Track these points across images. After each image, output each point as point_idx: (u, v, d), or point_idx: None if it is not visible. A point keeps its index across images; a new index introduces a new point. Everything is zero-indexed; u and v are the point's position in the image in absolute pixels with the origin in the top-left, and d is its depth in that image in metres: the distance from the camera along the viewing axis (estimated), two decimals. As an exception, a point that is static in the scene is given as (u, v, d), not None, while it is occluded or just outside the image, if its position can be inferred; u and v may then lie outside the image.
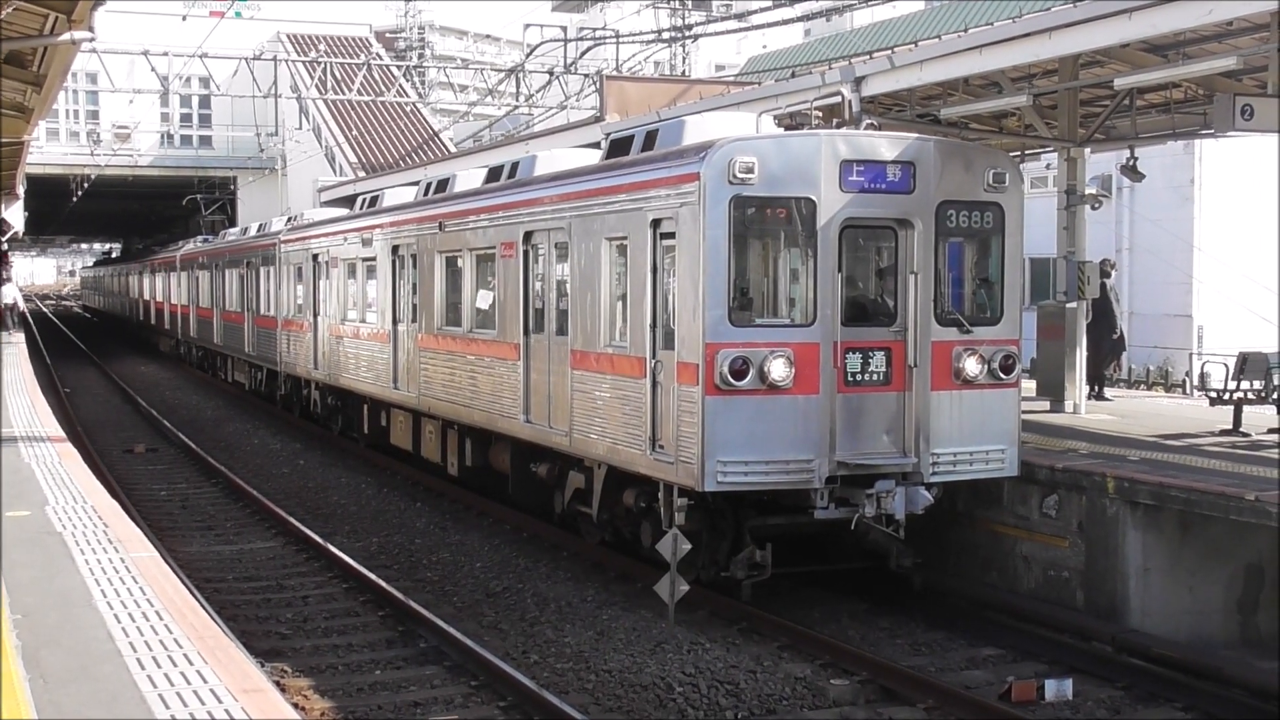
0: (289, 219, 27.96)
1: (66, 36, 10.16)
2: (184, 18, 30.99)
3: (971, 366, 11.15)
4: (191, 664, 6.35)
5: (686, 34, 38.24)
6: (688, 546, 10.71)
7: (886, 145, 11.01)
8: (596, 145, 18.37)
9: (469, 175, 17.34)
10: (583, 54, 33.71)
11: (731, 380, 10.42)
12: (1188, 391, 21.51)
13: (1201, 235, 24.86)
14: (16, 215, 31.76)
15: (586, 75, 32.44)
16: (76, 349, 47.35)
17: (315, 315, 22.29)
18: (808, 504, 10.82)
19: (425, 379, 16.77)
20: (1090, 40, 12.64)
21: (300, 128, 44.95)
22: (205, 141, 51.21)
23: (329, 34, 47.98)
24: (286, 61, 37.14)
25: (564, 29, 39.13)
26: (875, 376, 10.96)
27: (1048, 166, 22.59)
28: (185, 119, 50.73)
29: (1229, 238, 24.33)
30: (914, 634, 11.09)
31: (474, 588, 12.49)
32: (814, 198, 10.68)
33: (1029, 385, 13.92)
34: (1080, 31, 12.51)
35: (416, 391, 17.10)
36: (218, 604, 11.32)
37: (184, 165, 49.74)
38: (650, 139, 12.38)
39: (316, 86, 33.76)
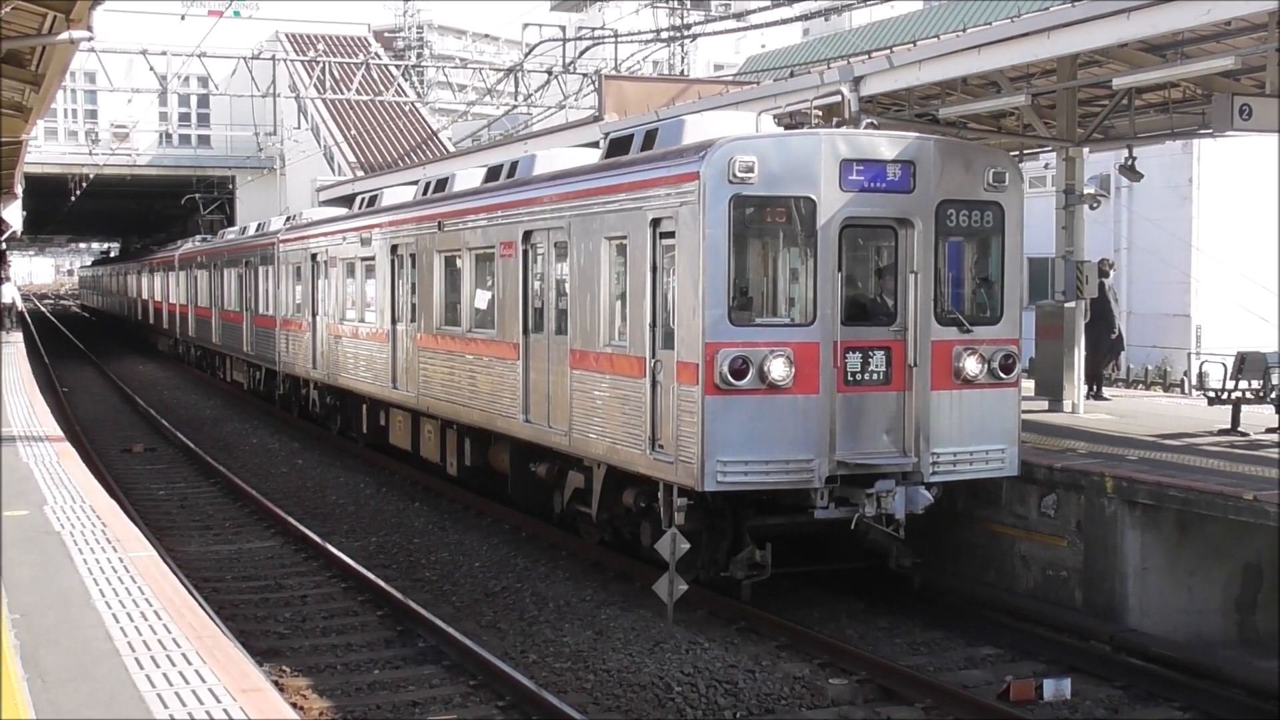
0: (287, 218, 27.95)
1: (65, 36, 10.15)
2: (182, 17, 30.95)
3: (971, 366, 11.15)
4: (190, 663, 6.35)
5: (685, 34, 38.23)
6: (686, 546, 10.70)
7: (886, 144, 11.00)
8: (595, 145, 18.37)
9: (468, 174, 17.33)
10: (581, 54, 33.71)
11: (731, 380, 10.42)
12: (1186, 391, 21.53)
13: (1200, 235, 24.88)
14: (15, 214, 31.74)
15: (585, 75, 32.44)
16: (75, 348, 47.33)
17: (314, 315, 22.28)
18: (808, 504, 10.81)
19: (424, 379, 16.76)
20: (1089, 40, 12.65)
21: (299, 127, 44.91)
22: (204, 141, 51.18)
23: (328, 33, 47.95)
24: (285, 61, 37.10)
25: (563, 28, 39.09)
26: (875, 376, 10.96)
27: (1046, 166, 22.61)
28: (184, 118, 50.69)
29: (1227, 237, 24.35)
30: (912, 633, 11.09)
31: (473, 587, 12.49)
32: (814, 197, 10.68)
33: (1027, 385, 13.91)
34: (1079, 31, 12.51)
35: (415, 391, 17.09)
36: (216, 603, 11.31)
37: (182, 165, 49.72)
38: (650, 138, 12.38)
39: (315, 86, 33.75)
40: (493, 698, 9.24)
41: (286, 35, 46.91)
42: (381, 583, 12.00)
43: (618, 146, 13.02)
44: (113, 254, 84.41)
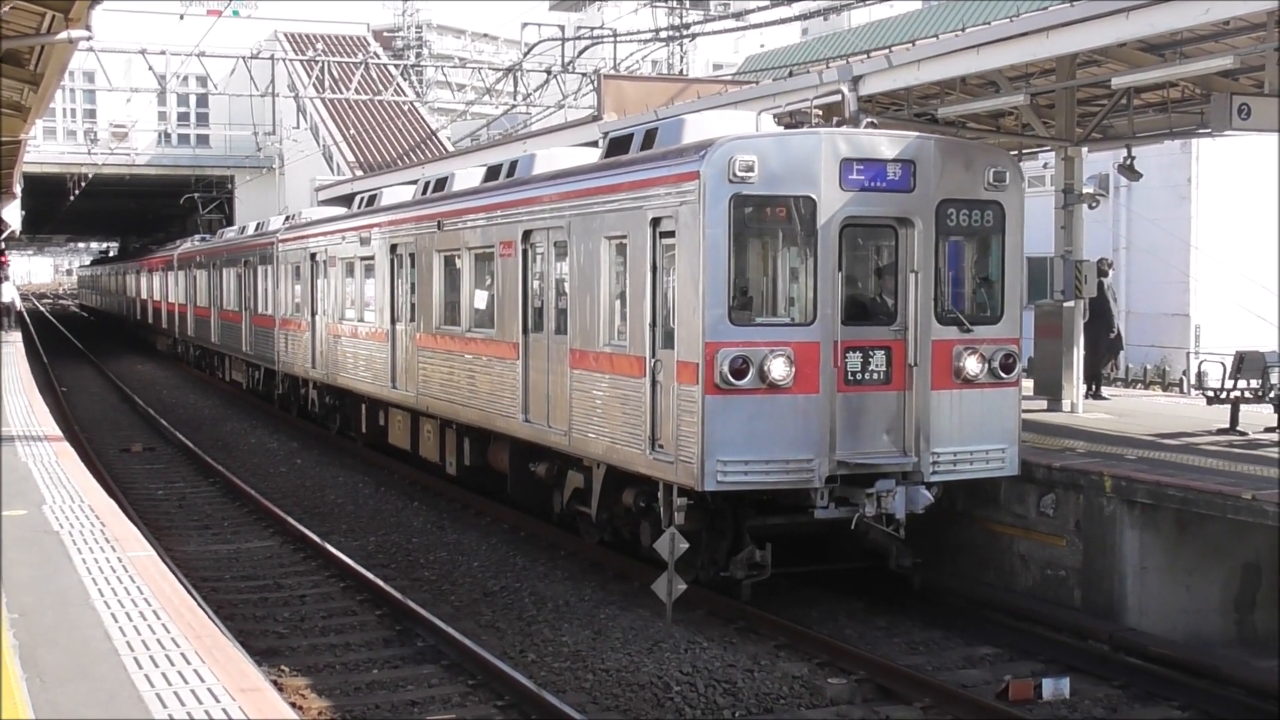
0: (286, 218, 27.95)
1: (64, 35, 10.14)
2: (181, 17, 30.93)
3: (972, 365, 11.14)
4: (189, 663, 6.34)
5: (684, 33, 38.23)
6: (685, 545, 10.70)
7: (887, 144, 11.00)
8: (594, 144, 18.36)
9: (467, 174, 17.33)
10: (580, 53, 33.70)
11: (731, 379, 10.41)
12: (1185, 390, 21.53)
13: (1199, 234, 24.90)
14: (13, 214, 31.73)
15: (584, 74, 32.44)
16: (73, 348, 47.32)
17: (313, 314, 22.28)
18: (808, 503, 10.81)
19: (423, 378, 16.76)
20: (1087, 39, 12.64)
21: (298, 127, 44.87)
22: (203, 140, 51.15)
23: (327, 33, 47.92)
24: (284, 60, 37.10)
25: (561, 28, 39.06)
26: (875, 376, 10.95)
27: (1045, 166, 22.62)
28: (183, 118, 50.64)
29: (1226, 237, 24.37)
30: (911, 633, 11.09)
31: (471, 587, 12.49)
32: (814, 196, 10.67)
33: (1026, 384, 13.91)
34: (1077, 31, 12.51)
35: (415, 391, 17.09)
36: (215, 603, 11.31)
37: (181, 164, 49.69)
38: (649, 138, 12.37)
39: (314, 85, 33.75)
40: (491, 697, 9.24)
41: (285, 35, 46.89)
42: (380, 582, 11.99)
43: (617, 146, 13.02)
44: (111, 254, 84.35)
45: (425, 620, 10.79)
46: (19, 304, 60.61)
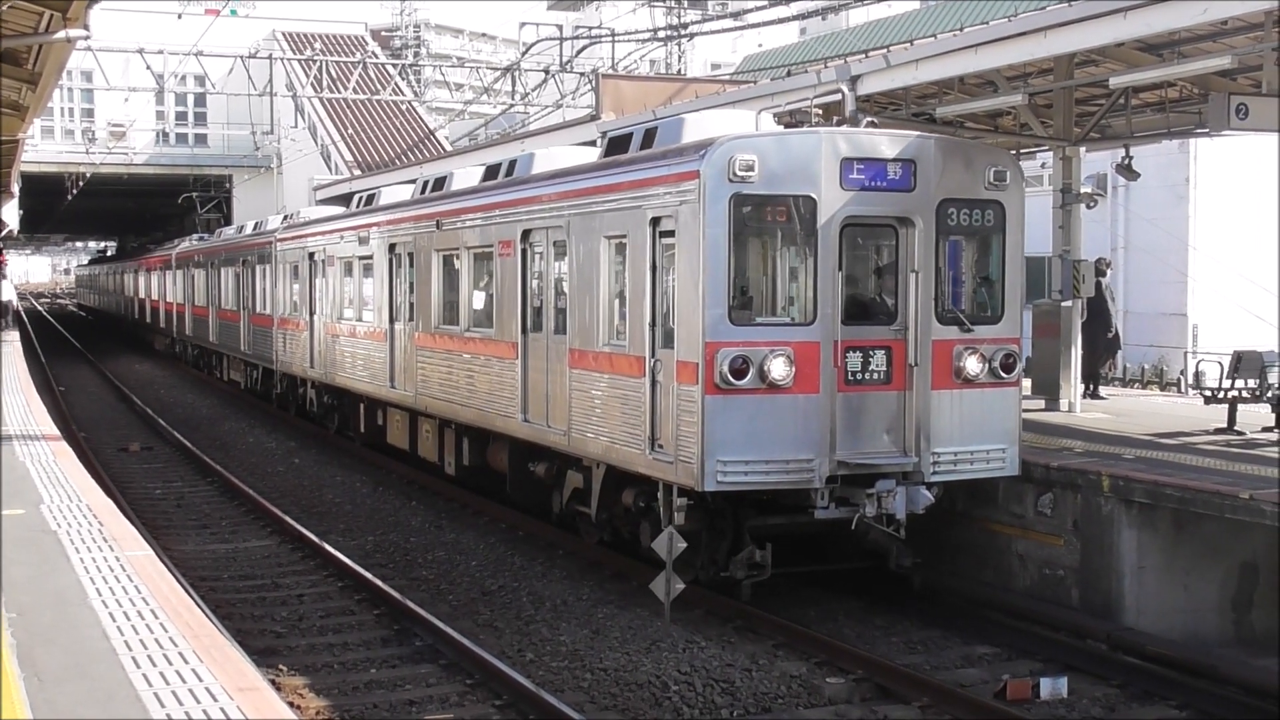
0: (285, 217, 27.93)
1: (62, 34, 10.13)
2: (179, 16, 30.89)
3: (972, 365, 11.13)
4: (187, 662, 6.34)
5: (682, 33, 38.24)
6: (683, 545, 10.70)
7: (887, 143, 10.99)
8: (592, 144, 18.36)
9: (466, 173, 17.32)
10: (578, 53, 33.69)
11: (731, 379, 10.40)
12: (1182, 390, 21.55)
13: (1196, 234, 24.92)
14: (11, 213, 31.67)
15: (582, 74, 32.43)
16: (72, 347, 47.30)
17: (311, 314, 22.27)
18: (808, 504, 10.79)
19: (422, 378, 16.75)
20: (1085, 39, 12.65)
21: (296, 126, 44.85)
22: (200, 140, 51.10)
23: (324, 32, 47.88)
24: (282, 60, 37.08)
25: (560, 27, 39.07)
26: (876, 375, 10.94)
27: (1043, 165, 22.62)
28: (180, 117, 50.58)
29: (1224, 236, 24.39)
30: (909, 632, 11.09)
31: (470, 586, 12.49)
32: (814, 196, 10.66)
33: (1024, 384, 13.92)
34: (1075, 30, 12.51)
35: (413, 390, 17.08)
36: (213, 603, 11.31)
37: (179, 163, 49.64)
38: (649, 137, 12.36)
39: (312, 85, 33.72)
40: (490, 696, 9.24)
41: (283, 34, 46.86)
42: (378, 582, 11.99)
43: (616, 145, 13.01)
44: (109, 253, 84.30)
45: (423, 619, 10.79)
46: (16, 303, 60.58)
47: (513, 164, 15.31)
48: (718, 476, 10.43)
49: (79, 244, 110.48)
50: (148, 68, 28.93)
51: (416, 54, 54.63)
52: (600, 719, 8.95)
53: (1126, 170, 17.35)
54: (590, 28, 42.46)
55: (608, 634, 10.72)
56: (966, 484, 11.63)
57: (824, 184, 10.68)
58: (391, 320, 18.05)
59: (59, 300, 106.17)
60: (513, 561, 13.44)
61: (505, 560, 13.50)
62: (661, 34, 38.23)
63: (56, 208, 56.49)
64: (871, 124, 11.45)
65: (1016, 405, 11.49)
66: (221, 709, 5.66)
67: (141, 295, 48.09)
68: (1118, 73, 14.22)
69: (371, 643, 10.63)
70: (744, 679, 9.55)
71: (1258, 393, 14.23)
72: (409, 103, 43.05)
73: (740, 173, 10.37)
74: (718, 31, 42.85)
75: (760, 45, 51.26)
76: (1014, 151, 18.66)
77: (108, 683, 6.03)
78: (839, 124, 11.75)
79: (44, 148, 45.59)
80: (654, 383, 11.16)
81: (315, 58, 33.42)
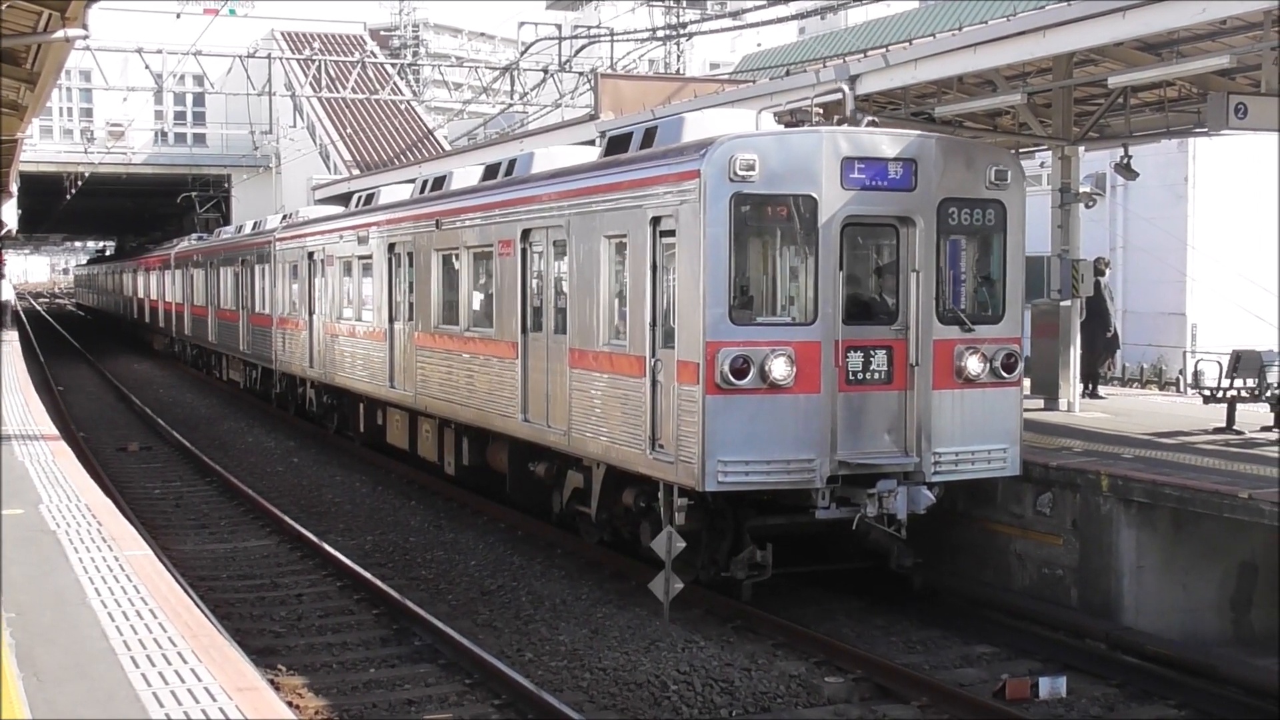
0: (284, 217, 27.92)
1: (60, 34, 10.12)
2: (178, 15, 30.89)
3: (973, 365, 11.12)
4: (186, 662, 6.34)
5: (681, 32, 38.24)
6: (681, 544, 10.70)
7: (888, 142, 10.98)
8: (591, 143, 18.35)
9: (465, 173, 17.31)
10: (577, 52, 33.73)
11: (732, 379, 10.39)
12: (1181, 389, 21.55)
13: (1195, 233, 24.94)
14: (10, 213, 31.67)
15: (581, 73, 32.43)
16: (70, 347, 47.29)
17: (310, 313, 22.26)
18: (809, 504, 10.78)
19: (422, 378, 16.75)
20: (1084, 39, 12.65)
21: (294, 125, 44.85)
22: (199, 139, 51.08)
23: (323, 32, 47.88)
24: (281, 59, 37.08)
25: (558, 27, 39.07)
26: (877, 375, 10.92)
27: (1042, 165, 22.63)
28: (179, 117, 50.59)
29: (1223, 236, 24.40)
30: (908, 632, 11.09)
31: (468, 586, 12.48)
32: (815, 195, 10.65)
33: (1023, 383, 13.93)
34: (1074, 30, 12.52)
35: (413, 390, 17.08)
36: (212, 602, 11.30)
37: (178, 163, 49.63)
38: (649, 136, 12.35)
39: (311, 84, 33.72)
40: (488, 696, 9.24)
41: (282, 33, 46.84)
42: (377, 581, 11.99)
43: (616, 144, 13.01)
44: (108, 252, 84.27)
45: (422, 619, 10.79)
46: (15, 303, 60.54)
47: (512, 163, 15.31)
48: (718, 476, 10.43)
49: (77, 244, 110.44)
50: (146, 67, 28.92)
51: (415, 53, 54.61)
52: (599, 718, 8.95)
53: (1125, 170, 17.36)
54: (589, 27, 42.47)
55: (607, 633, 10.72)
56: (966, 484, 11.63)
57: (825, 183, 10.67)
58: (391, 320, 18.04)
59: (58, 300, 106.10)
60: (512, 561, 13.44)
61: (504, 560, 13.50)
62: (660, 34, 38.22)
63: (55, 207, 56.46)
64: (872, 123, 11.44)
65: (1018, 405, 11.48)
66: (220, 709, 5.66)
67: (140, 295, 48.07)
68: (1116, 72, 14.23)
69: (370, 642, 10.63)
70: (743, 678, 9.55)
71: (1256, 392, 14.23)
72: (408, 102, 43.04)
73: (741, 172, 10.36)
74: (716, 31, 42.87)
75: (759, 45, 51.25)
76: (1013, 151, 18.69)
77: (107, 682, 6.02)
78: (839, 123, 11.74)
79: (43, 147, 45.57)
80: (654, 382, 11.15)
81: (314, 57, 33.42)
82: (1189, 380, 18.77)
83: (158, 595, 7.66)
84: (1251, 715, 9.24)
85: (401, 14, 59.04)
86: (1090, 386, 17.61)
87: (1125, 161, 17.22)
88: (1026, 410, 12.78)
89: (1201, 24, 12.30)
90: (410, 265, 17.28)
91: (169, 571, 8.98)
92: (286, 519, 15.05)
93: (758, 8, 33.10)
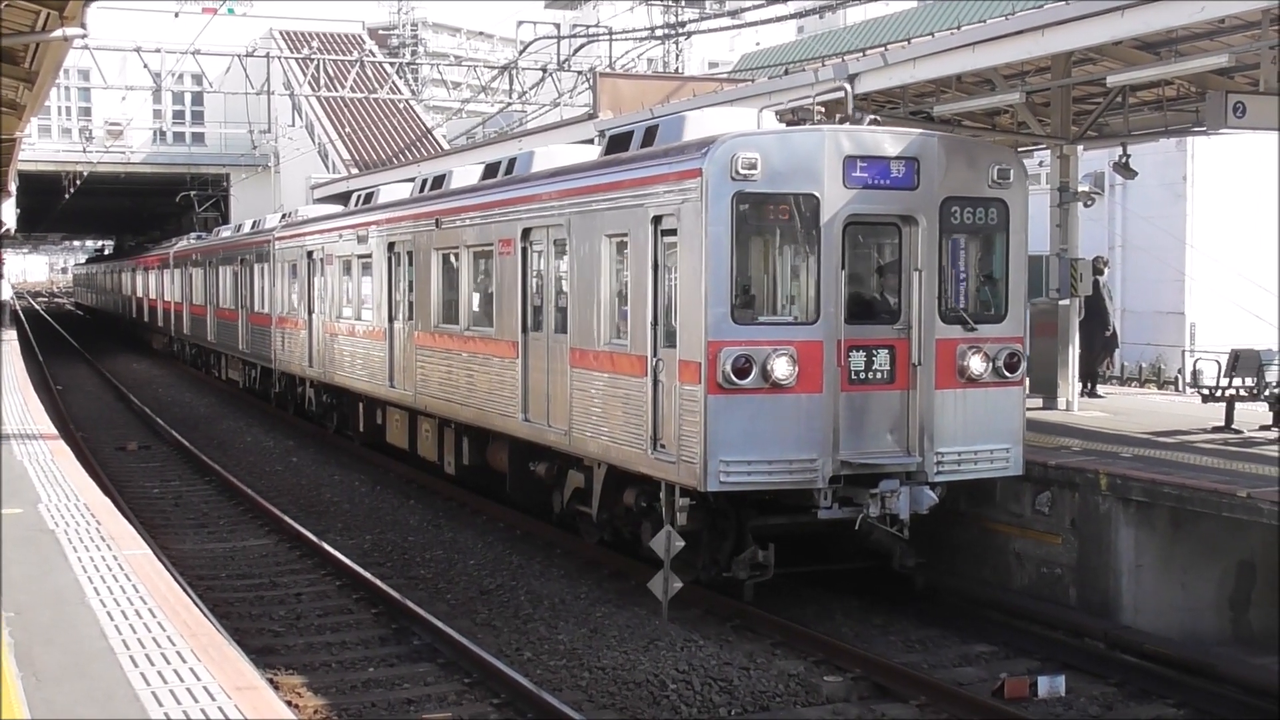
0: (283, 216, 27.91)
1: (59, 33, 10.12)
2: (176, 14, 30.87)
3: (976, 364, 11.09)
4: (185, 662, 6.34)
5: (680, 31, 38.24)
6: (681, 544, 10.69)
7: (890, 141, 10.96)
8: (590, 142, 18.34)
9: (465, 172, 17.30)
10: (576, 51, 33.72)
11: (734, 379, 10.37)
12: (1180, 388, 21.57)
13: (1194, 232, 24.94)
14: (9, 212, 31.66)
15: (580, 72, 32.42)
16: (69, 346, 47.27)
17: (310, 313, 22.26)
18: (811, 504, 10.76)
19: (421, 377, 16.74)
20: (1083, 37, 12.66)
21: (293, 125, 44.84)
22: (198, 138, 51.06)
23: (322, 31, 47.86)
24: (279, 58, 37.07)
25: (557, 26, 39.06)
26: (879, 375, 10.90)
27: (1040, 164, 22.63)
28: (178, 116, 50.58)
29: (1221, 235, 24.41)
30: (907, 631, 11.09)
31: (468, 585, 12.48)
32: (817, 194, 10.63)
33: (1023, 383, 13.94)
34: (1073, 29, 12.52)
35: (413, 390, 17.07)
36: (211, 602, 11.30)
37: (176, 162, 49.60)
38: (650, 135, 12.33)
39: (309, 83, 33.72)
40: (487, 695, 9.24)
41: (281, 33, 46.83)
42: (377, 580, 11.99)
43: (617, 143, 12.99)
44: (107, 252, 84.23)
45: (421, 618, 10.79)
46: (14, 303, 60.51)
47: (512, 162, 15.30)
48: (720, 476, 10.41)
49: (76, 243, 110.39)
50: (145, 66, 28.92)
51: (414, 52, 54.59)
52: (598, 718, 8.95)
53: (1124, 168, 17.36)
54: (588, 26, 42.45)
55: (606, 633, 10.72)
56: (965, 483, 11.62)
57: (827, 182, 10.65)
58: (390, 319, 18.03)
59: (56, 299, 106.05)
60: (511, 560, 13.44)
61: (503, 559, 13.50)
62: (659, 32, 38.23)
63: (54, 207, 56.41)
64: (874, 122, 11.42)
65: (1020, 404, 11.46)
66: (220, 708, 5.66)
67: (139, 294, 48.06)
68: (1115, 71, 14.23)
69: (369, 641, 10.63)
70: (742, 677, 9.55)
71: (1255, 391, 14.24)
72: (406, 101, 43.03)
73: (743, 171, 10.34)
74: (715, 30, 42.84)
75: (758, 44, 51.23)
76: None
77: (106, 682, 6.02)
78: (841, 122, 11.72)
79: (41, 146, 45.55)
80: (656, 382, 11.14)
81: (313, 56, 33.42)
82: (1188, 379, 18.79)
83: (156, 594, 7.66)
84: (1250, 714, 9.25)
85: (400, 13, 59.02)
86: (1089, 385, 17.62)
87: (1124, 160, 17.23)
88: (1026, 409, 12.79)
89: (1200, 23, 12.31)
90: (410, 264, 17.27)
91: (168, 571, 8.98)
92: (285, 518, 15.04)
93: (756, 7, 33.09)
